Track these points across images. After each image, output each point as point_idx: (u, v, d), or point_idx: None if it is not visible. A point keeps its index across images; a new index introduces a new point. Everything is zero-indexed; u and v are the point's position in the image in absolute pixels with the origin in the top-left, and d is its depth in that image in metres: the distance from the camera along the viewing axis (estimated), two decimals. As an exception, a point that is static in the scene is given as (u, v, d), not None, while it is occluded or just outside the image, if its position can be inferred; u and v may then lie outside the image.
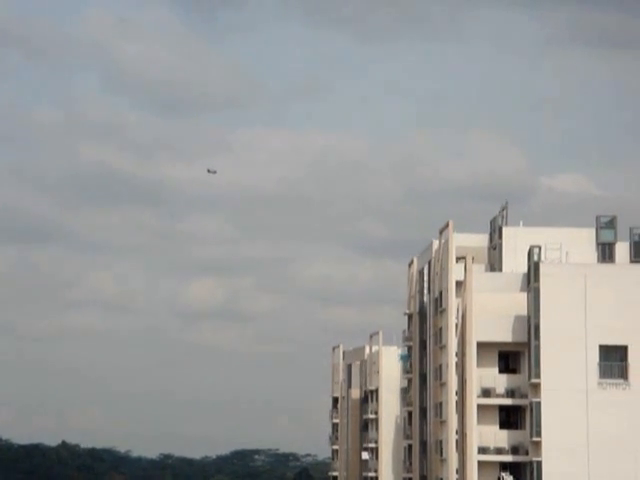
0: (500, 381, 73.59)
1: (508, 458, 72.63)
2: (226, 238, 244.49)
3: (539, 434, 69.39)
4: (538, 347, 69.70)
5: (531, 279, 70.86)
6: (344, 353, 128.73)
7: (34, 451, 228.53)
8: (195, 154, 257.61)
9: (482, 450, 72.59)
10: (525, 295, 71.88)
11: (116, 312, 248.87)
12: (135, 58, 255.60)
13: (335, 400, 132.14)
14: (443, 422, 78.79)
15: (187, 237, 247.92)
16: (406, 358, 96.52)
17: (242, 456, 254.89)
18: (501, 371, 74.19)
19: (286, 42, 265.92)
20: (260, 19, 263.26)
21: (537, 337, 69.80)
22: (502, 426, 73.76)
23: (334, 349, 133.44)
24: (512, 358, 74.55)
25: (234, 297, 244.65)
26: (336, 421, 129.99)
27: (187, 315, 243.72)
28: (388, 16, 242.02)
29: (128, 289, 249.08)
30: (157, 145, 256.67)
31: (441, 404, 79.60)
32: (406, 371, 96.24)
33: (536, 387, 69.94)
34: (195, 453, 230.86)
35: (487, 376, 73.23)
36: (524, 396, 72.24)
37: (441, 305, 79.38)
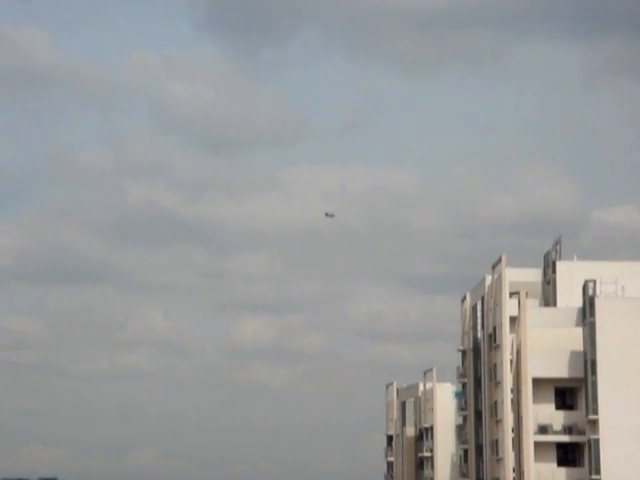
0: (557, 418, 72.62)
1: (567, 496, 71.59)
2: (275, 276, 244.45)
3: (598, 472, 68.27)
4: (595, 383, 68.75)
5: (586, 314, 70.03)
6: (398, 390, 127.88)
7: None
8: (243, 192, 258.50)
9: (540, 488, 71.59)
10: (581, 330, 71.03)
11: (167, 351, 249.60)
12: (182, 97, 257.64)
13: (390, 438, 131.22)
14: (500, 460, 77.83)
15: (236, 275, 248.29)
16: (461, 395, 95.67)
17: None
18: (558, 407, 73.25)
19: (332, 78, 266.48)
20: (305, 56, 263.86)
21: (594, 372, 68.86)
22: (560, 463, 72.72)
23: (388, 386, 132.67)
24: (569, 394, 73.59)
25: (284, 335, 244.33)
26: (391, 459, 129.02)
27: (237, 354, 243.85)
28: (434, 51, 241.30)
29: (178, 328, 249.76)
30: (205, 183, 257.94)
31: (497, 441, 78.70)
32: (461, 408, 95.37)
33: (594, 423, 68.92)
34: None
35: (543, 412, 72.32)
36: (582, 433, 71.22)
37: (495, 341, 78.67)
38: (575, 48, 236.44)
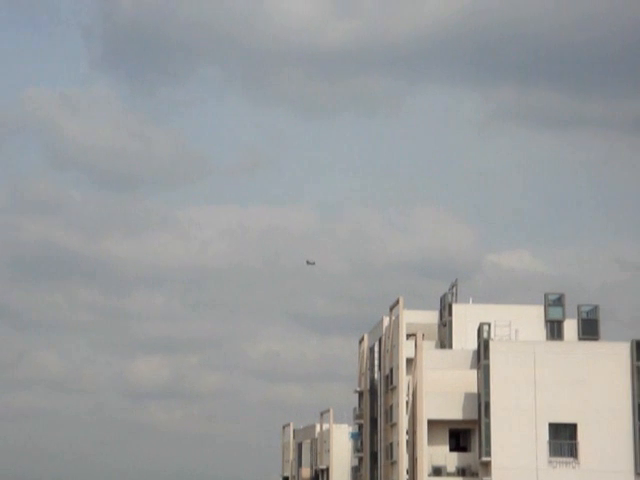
0: (451, 459, 73.14)
1: (460, 538, 72.05)
2: (172, 315, 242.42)
3: (490, 513, 68.88)
4: (488, 425, 69.48)
5: (481, 356, 70.91)
6: (294, 432, 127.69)
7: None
8: (141, 230, 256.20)
9: (434, 530, 71.94)
10: (475, 372, 71.90)
11: (61, 391, 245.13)
12: (78, 135, 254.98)
13: (285, 479, 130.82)
14: (394, 501, 78.04)
15: (133, 314, 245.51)
16: (357, 436, 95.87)
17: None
18: (452, 449, 73.79)
19: (229, 118, 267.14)
20: (202, 95, 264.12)
21: (487, 415, 69.64)
22: (453, 505, 73.18)
23: (284, 428, 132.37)
24: (463, 436, 74.27)
25: (180, 375, 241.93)
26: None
27: (133, 394, 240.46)
28: (331, 93, 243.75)
29: (73, 368, 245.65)
30: (103, 222, 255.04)
31: (392, 483, 78.94)
32: (357, 449, 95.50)
33: (487, 465, 69.61)
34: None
35: (438, 454, 72.81)
36: (475, 474, 71.84)
37: (392, 382, 79.13)
38: (469, 95, 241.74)
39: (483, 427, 69.68)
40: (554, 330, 79.99)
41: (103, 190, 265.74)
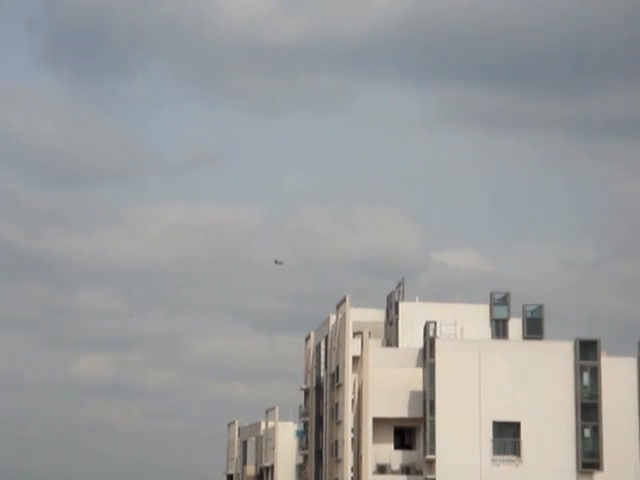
0: (395, 457, 73.36)
1: (403, 535, 72.28)
2: (117, 312, 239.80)
3: (434, 511, 69.17)
4: (433, 423, 69.81)
5: (427, 354, 71.22)
6: (240, 429, 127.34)
7: None
8: (86, 226, 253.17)
9: (377, 527, 72.07)
10: (421, 370, 72.15)
11: (3, 387, 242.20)
12: (21, 129, 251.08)
13: (230, 477, 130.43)
14: (338, 499, 78.05)
15: (77, 311, 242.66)
16: (302, 434, 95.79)
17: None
18: (397, 447, 74.00)
19: (178, 114, 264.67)
20: (150, 90, 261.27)
21: (432, 413, 69.96)
22: (398, 503, 73.40)
23: (229, 425, 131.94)
24: (408, 434, 74.52)
25: (124, 372, 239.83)
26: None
27: (76, 391, 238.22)
28: (281, 89, 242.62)
29: (15, 363, 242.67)
30: (46, 217, 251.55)
31: (337, 481, 78.98)
32: (302, 447, 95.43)
33: (431, 463, 69.93)
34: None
35: (383, 452, 72.98)
36: (419, 472, 72.12)
37: (338, 380, 79.18)
38: (418, 93, 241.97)
39: (428, 425, 70.00)
40: (499, 329, 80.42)
41: (47, 185, 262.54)
